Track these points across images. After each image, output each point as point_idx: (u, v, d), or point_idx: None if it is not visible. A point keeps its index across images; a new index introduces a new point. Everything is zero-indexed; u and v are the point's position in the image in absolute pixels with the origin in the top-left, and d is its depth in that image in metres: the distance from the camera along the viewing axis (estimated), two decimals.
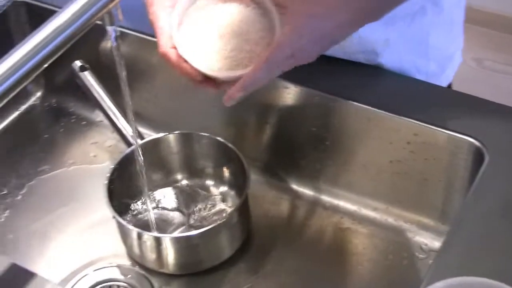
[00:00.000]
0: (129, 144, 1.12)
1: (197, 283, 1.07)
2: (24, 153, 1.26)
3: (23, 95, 1.33)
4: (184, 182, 1.15)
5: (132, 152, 1.08)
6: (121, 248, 1.10)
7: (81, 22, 0.75)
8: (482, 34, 2.97)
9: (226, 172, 1.13)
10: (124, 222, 1.03)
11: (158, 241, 1.02)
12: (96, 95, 1.15)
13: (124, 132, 1.13)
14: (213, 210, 1.10)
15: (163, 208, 1.12)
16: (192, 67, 0.88)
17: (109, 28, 0.84)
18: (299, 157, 1.15)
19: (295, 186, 1.17)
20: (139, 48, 1.17)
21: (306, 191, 1.17)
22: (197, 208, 1.11)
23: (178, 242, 1.03)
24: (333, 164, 1.13)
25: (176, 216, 1.11)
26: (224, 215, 1.05)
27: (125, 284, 1.07)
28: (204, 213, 1.09)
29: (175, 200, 1.13)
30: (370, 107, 1.05)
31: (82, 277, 1.08)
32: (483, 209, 0.91)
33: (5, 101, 0.72)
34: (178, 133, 1.13)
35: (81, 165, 1.24)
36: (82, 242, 1.12)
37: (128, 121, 1.13)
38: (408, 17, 1.08)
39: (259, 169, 1.18)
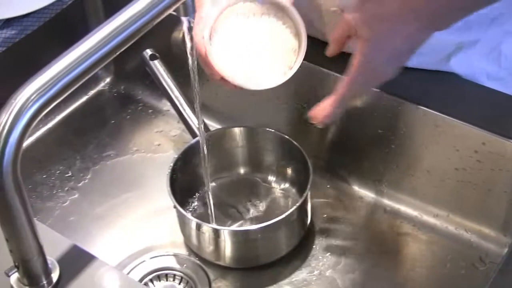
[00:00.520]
0: (194, 134, 1.13)
1: (252, 278, 1.08)
2: (90, 137, 1.27)
3: (93, 80, 1.35)
4: (246, 176, 1.15)
5: (197, 143, 1.09)
6: (179, 238, 1.10)
7: (156, 12, 0.76)
8: None
9: (288, 169, 1.13)
10: (184, 212, 1.03)
11: (216, 233, 1.03)
12: (164, 84, 1.16)
13: (190, 122, 1.14)
14: (273, 206, 1.10)
15: (224, 201, 1.12)
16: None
17: (184, 19, 0.85)
18: (363, 158, 1.15)
19: (356, 188, 1.17)
20: None
21: (367, 193, 1.16)
22: (257, 203, 1.11)
23: (237, 236, 1.04)
24: (397, 168, 1.12)
25: (236, 210, 1.11)
26: (284, 211, 1.05)
27: (181, 274, 1.07)
28: (264, 209, 1.09)
29: (236, 193, 1.13)
30: (438, 113, 1.04)
31: (139, 263, 1.09)
32: None
33: (76, 85, 0.74)
34: (244, 127, 1.13)
35: (145, 153, 1.25)
36: (141, 229, 1.13)
37: (194, 112, 1.13)
38: (485, 23, 1.06)
39: (321, 168, 1.18)
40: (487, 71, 1.12)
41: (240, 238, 1.04)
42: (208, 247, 1.05)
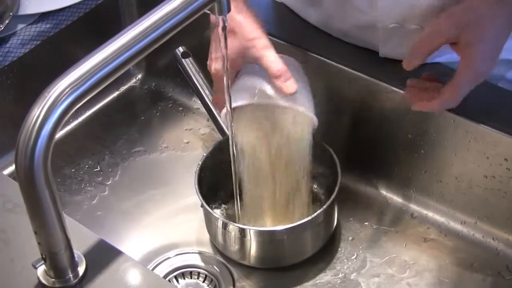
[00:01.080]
0: (223, 133, 1.13)
1: (277, 278, 1.08)
2: (120, 133, 1.28)
3: (124, 76, 1.36)
4: (274, 176, 1.15)
5: (225, 142, 1.09)
6: (205, 236, 1.11)
7: (190, 10, 0.76)
8: None
9: (318, 171, 1.13)
10: (210, 210, 1.04)
11: (242, 233, 1.03)
12: (195, 82, 1.17)
13: (220, 121, 1.14)
14: (301, 208, 1.10)
15: (251, 200, 1.12)
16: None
17: (219, 18, 0.85)
18: (392, 163, 1.14)
19: (384, 192, 1.16)
20: None
21: (395, 198, 1.15)
22: (284, 203, 1.10)
23: (262, 236, 1.04)
24: (425, 173, 1.12)
25: (262, 210, 1.11)
26: (311, 213, 1.05)
27: (205, 272, 1.08)
28: (291, 210, 1.09)
29: (264, 193, 1.12)
30: (468, 120, 1.04)
31: (164, 260, 1.09)
32: None
33: (109, 81, 0.74)
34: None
35: (174, 150, 1.25)
36: (167, 226, 1.14)
37: None
38: None
39: (350, 171, 1.17)
40: None
41: (266, 238, 1.04)
42: (234, 246, 1.05)
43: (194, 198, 1.06)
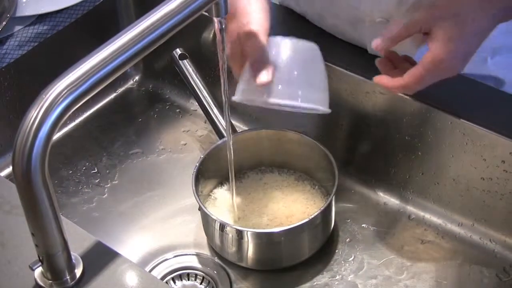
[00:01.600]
0: (220, 135, 1.13)
1: (274, 280, 1.08)
2: (117, 135, 1.28)
3: (122, 78, 1.36)
4: (272, 178, 1.15)
5: (223, 144, 1.09)
6: (203, 238, 1.11)
7: (188, 12, 0.76)
8: None
9: (314, 173, 1.13)
10: (208, 212, 1.04)
11: (240, 234, 1.03)
12: (193, 84, 1.17)
13: (217, 123, 1.14)
14: (298, 210, 1.10)
15: (248, 202, 1.12)
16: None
17: (216, 20, 0.85)
18: (389, 164, 1.14)
19: (381, 193, 1.16)
20: None
21: (392, 200, 1.15)
22: (281, 205, 1.11)
23: (260, 237, 1.04)
24: (422, 175, 1.12)
25: (259, 212, 1.11)
26: (308, 215, 1.05)
27: (202, 274, 1.08)
28: (288, 212, 1.09)
29: (261, 195, 1.13)
30: (466, 121, 1.04)
31: (162, 262, 1.09)
32: None
33: (106, 83, 0.74)
34: (271, 129, 1.13)
35: (171, 152, 1.25)
36: (165, 228, 1.14)
37: (221, 113, 1.13)
38: None
39: (347, 173, 1.18)
40: None
41: (263, 240, 1.04)
42: (231, 248, 1.05)
43: (191, 199, 1.06)
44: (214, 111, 1.15)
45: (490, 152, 1.03)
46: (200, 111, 1.19)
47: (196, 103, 1.19)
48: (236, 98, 0.99)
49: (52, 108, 0.70)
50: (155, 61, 1.34)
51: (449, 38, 0.91)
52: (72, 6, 1.25)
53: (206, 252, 1.10)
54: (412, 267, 1.07)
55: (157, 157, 1.24)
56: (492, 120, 1.03)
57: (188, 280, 1.07)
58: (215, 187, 1.14)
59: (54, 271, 0.81)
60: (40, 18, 1.24)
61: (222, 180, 1.14)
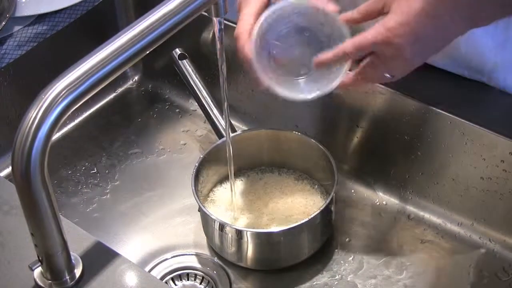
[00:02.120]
0: (220, 135, 1.13)
1: (274, 280, 1.08)
2: (116, 135, 1.28)
3: (121, 78, 1.36)
4: (271, 178, 1.15)
5: (222, 144, 1.09)
6: (202, 238, 1.11)
7: (187, 12, 0.76)
8: None
9: (314, 173, 1.13)
10: (208, 212, 1.04)
11: (239, 234, 1.03)
12: (192, 84, 1.17)
13: (216, 123, 1.14)
14: (297, 210, 1.10)
15: (247, 202, 1.12)
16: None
17: (215, 20, 0.85)
18: (389, 164, 1.14)
19: (381, 193, 1.16)
20: None
21: (392, 199, 1.15)
22: (281, 205, 1.11)
23: (259, 237, 1.04)
24: (422, 175, 1.12)
25: (259, 212, 1.11)
26: (307, 215, 1.05)
27: (202, 274, 1.08)
28: (287, 212, 1.09)
29: (260, 195, 1.13)
30: (465, 121, 1.04)
31: (161, 262, 1.09)
32: None
33: (106, 83, 0.74)
34: (270, 129, 1.13)
35: (170, 152, 1.25)
36: (164, 228, 1.14)
37: (221, 113, 1.13)
38: None
39: (347, 172, 1.18)
40: None
41: (262, 240, 1.04)
42: (231, 248, 1.05)
43: (191, 200, 1.06)
44: (214, 111, 1.15)
45: (490, 151, 1.03)
46: (199, 111, 1.19)
47: (196, 103, 1.19)
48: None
49: (51, 108, 0.70)
50: (155, 61, 1.34)
51: (401, 11, 0.87)
52: (72, 6, 1.25)
53: (205, 252, 1.10)
54: (411, 267, 1.07)
55: (157, 157, 1.24)
56: (491, 119, 1.03)
57: (188, 280, 1.07)
58: (214, 187, 1.14)
59: (53, 271, 0.81)
60: (40, 18, 1.24)
61: (222, 180, 1.14)
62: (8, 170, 1.19)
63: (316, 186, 1.13)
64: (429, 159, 1.10)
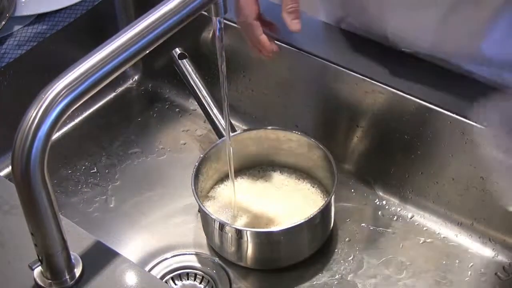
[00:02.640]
0: (220, 135, 1.13)
1: (274, 279, 1.08)
2: (116, 134, 1.28)
3: (121, 77, 1.36)
4: (271, 178, 1.15)
5: (222, 144, 1.09)
6: (202, 237, 1.11)
7: (187, 11, 0.76)
8: None
9: (314, 173, 1.13)
10: (208, 211, 1.04)
11: (239, 234, 1.03)
12: (192, 83, 1.17)
13: (216, 122, 1.14)
14: (297, 209, 1.10)
15: (248, 202, 1.12)
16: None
17: (215, 19, 0.85)
18: (389, 164, 1.14)
19: (380, 193, 1.16)
20: (240, 41, 1.18)
21: (392, 199, 1.15)
22: (281, 205, 1.11)
23: (259, 237, 1.04)
24: (422, 174, 1.12)
25: (259, 211, 1.11)
26: (307, 215, 1.05)
27: (202, 273, 1.08)
28: (287, 211, 1.09)
29: (260, 194, 1.13)
30: (465, 120, 1.04)
31: (161, 261, 1.09)
32: None
33: (105, 82, 0.74)
34: (270, 129, 1.13)
35: (170, 151, 1.25)
36: (164, 227, 1.14)
37: (221, 112, 1.13)
38: None
39: (346, 172, 1.18)
40: None
41: (262, 239, 1.04)
42: (230, 248, 1.05)
43: (191, 199, 1.06)
44: (214, 111, 1.15)
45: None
46: (199, 110, 1.19)
47: (196, 103, 1.19)
48: None
49: (51, 107, 0.70)
50: (155, 61, 1.34)
51: None
52: (71, 6, 1.25)
53: (205, 251, 1.10)
54: (411, 266, 1.07)
55: (157, 156, 1.24)
56: (491, 119, 1.03)
57: (188, 279, 1.07)
58: (214, 187, 1.14)
59: (53, 271, 0.81)
60: (39, 18, 1.24)
61: (222, 180, 1.14)
62: (8, 169, 1.19)
63: (316, 186, 1.13)
64: (429, 158, 1.10)
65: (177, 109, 1.32)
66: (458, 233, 1.11)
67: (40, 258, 0.80)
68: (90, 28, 1.26)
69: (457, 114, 1.04)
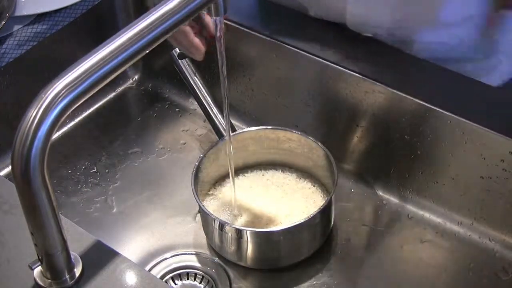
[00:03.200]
0: (220, 134, 1.13)
1: (273, 279, 1.08)
2: (116, 134, 1.28)
3: (121, 77, 1.36)
4: (271, 178, 1.15)
5: (223, 143, 1.09)
6: (202, 237, 1.11)
7: (187, 11, 0.76)
8: None
9: (314, 173, 1.13)
10: (208, 211, 1.04)
11: (239, 234, 1.03)
12: (192, 83, 1.17)
13: (216, 122, 1.14)
14: (297, 209, 1.10)
15: (247, 201, 1.12)
16: None
17: (214, 19, 0.85)
18: (389, 163, 1.14)
19: (380, 193, 1.16)
20: (239, 41, 1.18)
21: (392, 199, 1.15)
22: (281, 204, 1.11)
23: (259, 237, 1.04)
24: (422, 174, 1.12)
25: (259, 211, 1.11)
26: (307, 214, 1.05)
27: (202, 273, 1.08)
28: (287, 211, 1.09)
29: (260, 194, 1.13)
30: (465, 120, 1.04)
31: (161, 261, 1.09)
32: None
33: (105, 82, 0.74)
34: (270, 129, 1.13)
35: (170, 151, 1.25)
36: (164, 227, 1.14)
37: (221, 112, 1.13)
38: None
39: (346, 172, 1.18)
40: None
41: (262, 239, 1.04)
42: (230, 247, 1.05)
43: (190, 199, 1.06)
44: (214, 111, 1.15)
45: (490, 151, 1.03)
46: (199, 110, 1.19)
47: (196, 103, 1.19)
48: None
49: (51, 107, 0.70)
50: (155, 61, 1.34)
51: None
52: (71, 5, 1.25)
53: (205, 251, 1.10)
54: (411, 267, 1.07)
55: (157, 156, 1.24)
56: (491, 118, 1.03)
57: (188, 279, 1.07)
58: (214, 187, 1.14)
59: (53, 271, 0.81)
60: (39, 18, 1.24)
61: (222, 180, 1.14)
62: (8, 169, 1.19)
63: (316, 186, 1.13)
64: (429, 158, 1.10)
65: (177, 109, 1.32)
66: (458, 232, 1.11)
67: (40, 258, 0.80)
68: (90, 28, 1.26)
69: (457, 114, 1.04)
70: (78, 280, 0.83)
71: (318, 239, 1.08)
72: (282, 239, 1.03)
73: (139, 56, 0.76)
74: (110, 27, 1.27)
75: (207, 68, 1.22)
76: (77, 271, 0.83)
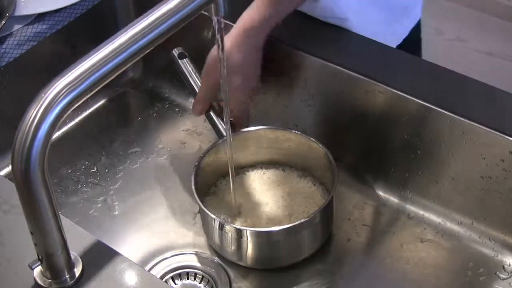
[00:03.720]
0: (220, 134, 1.13)
1: (274, 279, 1.08)
2: (116, 134, 1.28)
3: (121, 77, 1.36)
4: (271, 177, 1.15)
5: (222, 143, 1.09)
6: (202, 237, 1.11)
7: (187, 11, 0.76)
8: None
9: (314, 173, 1.13)
10: (207, 211, 1.04)
11: (239, 233, 1.03)
12: (192, 83, 1.17)
13: (217, 122, 1.14)
14: (297, 208, 1.10)
15: (247, 201, 1.12)
16: None
17: (214, 19, 0.85)
18: (389, 163, 1.14)
19: (381, 192, 1.16)
20: None
21: (392, 198, 1.15)
22: (281, 204, 1.11)
23: (259, 236, 1.04)
24: (422, 174, 1.12)
25: (259, 211, 1.11)
26: (307, 214, 1.05)
27: (202, 273, 1.08)
28: (287, 211, 1.09)
29: (261, 194, 1.13)
30: (465, 120, 1.04)
31: (161, 261, 1.09)
32: None
33: (106, 82, 0.74)
34: (270, 129, 1.13)
35: (170, 151, 1.25)
36: (164, 227, 1.14)
37: (222, 112, 1.13)
38: None
39: (346, 171, 1.18)
40: None
41: (262, 239, 1.04)
42: (230, 247, 1.05)
43: (191, 198, 1.06)
44: (213, 110, 1.15)
45: (489, 150, 1.03)
46: None
47: None
48: None
49: (51, 107, 0.70)
50: (155, 61, 1.34)
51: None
52: (72, 5, 1.25)
53: (205, 251, 1.10)
54: (410, 266, 1.07)
55: (157, 156, 1.24)
56: (491, 118, 1.03)
57: (188, 279, 1.07)
58: (214, 186, 1.14)
59: (53, 270, 0.81)
60: (39, 17, 1.24)
61: (221, 179, 1.14)
62: (8, 169, 1.19)
63: (316, 185, 1.13)
64: (429, 158, 1.10)
65: (177, 109, 1.32)
66: (458, 232, 1.11)
67: (40, 257, 0.80)
68: (90, 28, 1.26)
69: (457, 114, 1.04)
70: (78, 280, 0.83)
71: (318, 239, 1.08)
72: (282, 239, 1.03)
73: (139, 56, 0.76)
74: (110, 27, 1.28)
75: None
76: (77, 271, 0.83)
